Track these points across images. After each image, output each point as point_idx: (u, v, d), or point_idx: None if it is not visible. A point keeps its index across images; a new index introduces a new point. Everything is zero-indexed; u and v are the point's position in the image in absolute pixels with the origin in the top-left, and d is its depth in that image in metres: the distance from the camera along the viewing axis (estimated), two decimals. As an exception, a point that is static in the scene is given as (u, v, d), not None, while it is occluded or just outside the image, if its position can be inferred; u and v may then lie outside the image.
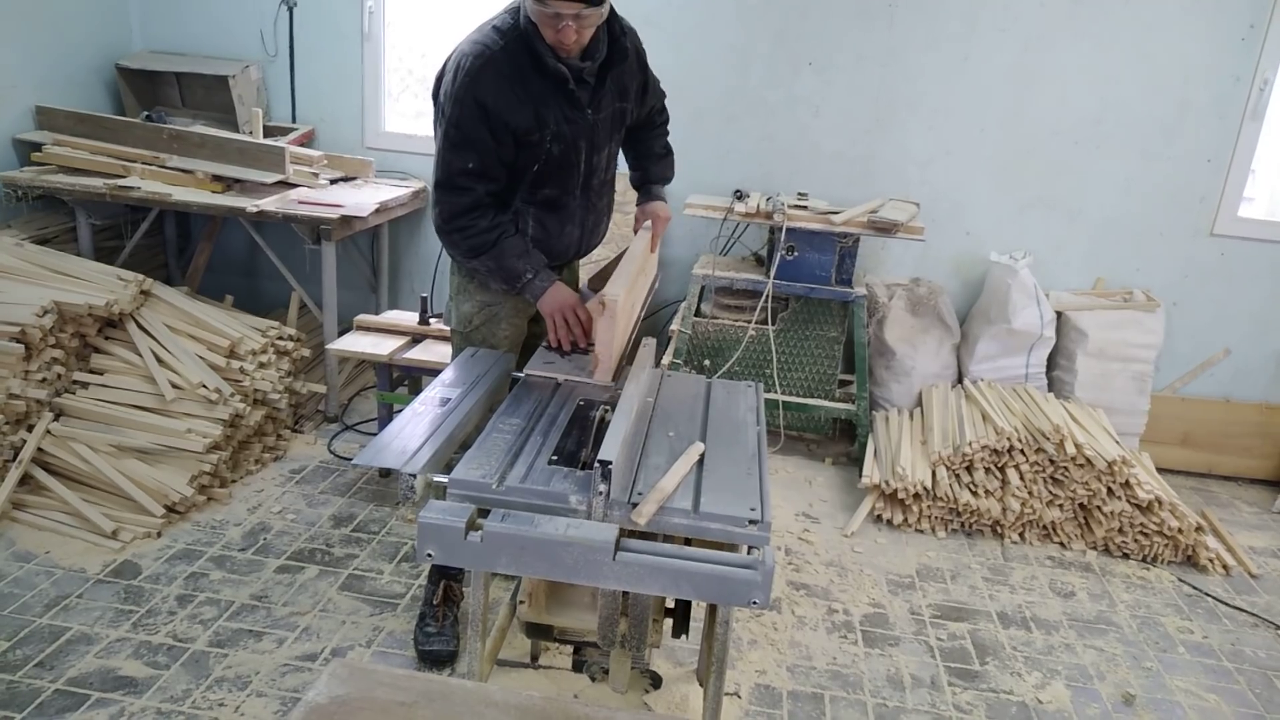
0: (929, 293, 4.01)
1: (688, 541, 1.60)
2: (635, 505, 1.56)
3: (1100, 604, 3.04)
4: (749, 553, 1.53)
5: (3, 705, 2.20)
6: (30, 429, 3.07)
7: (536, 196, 2.26)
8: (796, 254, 3.63)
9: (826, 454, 3.98)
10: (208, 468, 3.11)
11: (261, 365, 3.42)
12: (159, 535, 2.95)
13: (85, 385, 3.24)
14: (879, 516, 3.42)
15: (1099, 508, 3.32)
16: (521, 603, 1.92)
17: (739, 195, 3.70)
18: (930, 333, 3.92)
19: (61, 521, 2.93)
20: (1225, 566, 3.31)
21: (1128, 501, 3.29)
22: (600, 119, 2.25)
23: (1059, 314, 3.88)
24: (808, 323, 3.81)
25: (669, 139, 2.61)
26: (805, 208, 3.67)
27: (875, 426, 3.77)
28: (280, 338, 3.54)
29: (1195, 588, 3.19)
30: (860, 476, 3.50)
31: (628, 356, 2.19)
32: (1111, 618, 2.97)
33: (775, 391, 3.84)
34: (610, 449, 1.57)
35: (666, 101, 2.55)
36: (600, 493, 1.54)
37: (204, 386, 3.17)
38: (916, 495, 3.35)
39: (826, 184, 4.01)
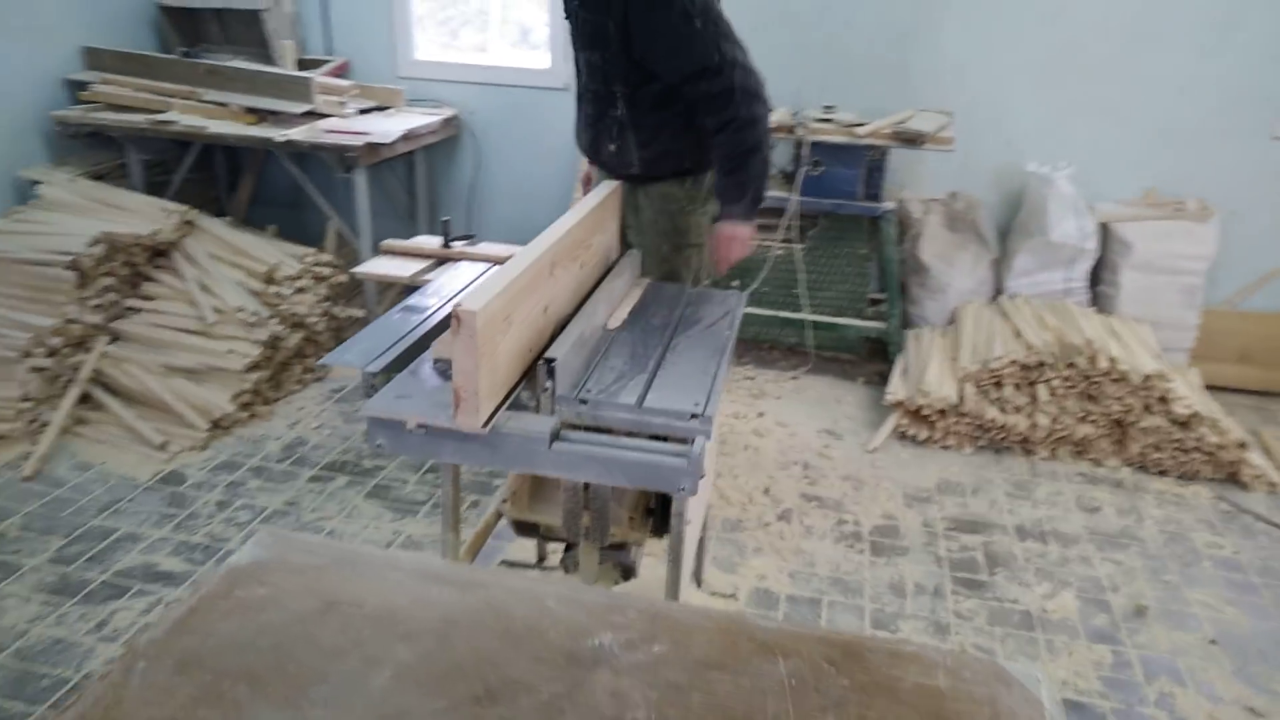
0: (966, 207, 3.88)
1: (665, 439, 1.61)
2: (585, 401, 1.61)
3: (1127, 519, 2.97)
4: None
5: (56, 592, 2.42)
6: (89, 351, 3.29)
7: None
8: (823, 169, 3.56)
9: (860, 374, 3.94)
10: (248, 386, 3.29)
11: (299, 290, 3.56)
12: (205, 448, 3.14)
13: (138, 310, 3.44)
14: (904, 434, 3.39)
15: (1134, 424, 3.21)
16: (505, 501, 2.00)
17: (763, 110, 3.63)
18: (967, 249, 3.81)
19: (117, 435, 3.16)
20: (1271, 484, 3.17)
21: (1165, 418, 3.17)
22: (580, 14, 2.34)
23: (1104, 226, 3.71)
24: (837, 240, 3.74)
25: (736, 146, 2.35)
26: (831, 120, 3.58)
27: (907, 345, 3.71)
28: (317, 264, 3.68)
29: (1235, 505, 3.07)
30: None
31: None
32: (1137, 532, 2.90)
33: (805, 311, 3.81)
34: (559, 348, 1.62)
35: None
36: (545, 389, 1.58)
37: (242, 310, 3.33)
38: (942, 412, 3.30)
39: (860, 95, 3.87)
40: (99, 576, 2.50)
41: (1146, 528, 2.92)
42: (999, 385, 3.31)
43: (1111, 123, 3.77)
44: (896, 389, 3.43)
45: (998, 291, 3.84)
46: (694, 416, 1.58)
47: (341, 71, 4.23)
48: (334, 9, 4.24)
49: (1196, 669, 2.31)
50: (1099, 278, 3.80)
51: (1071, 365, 3.22)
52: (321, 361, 1.72)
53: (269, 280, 3.48)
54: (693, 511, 1.77)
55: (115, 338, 3.37)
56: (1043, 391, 3.25)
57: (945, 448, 3.34)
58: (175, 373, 3.29)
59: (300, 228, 4.44)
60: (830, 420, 3.54)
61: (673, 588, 1.75)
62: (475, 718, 0.96)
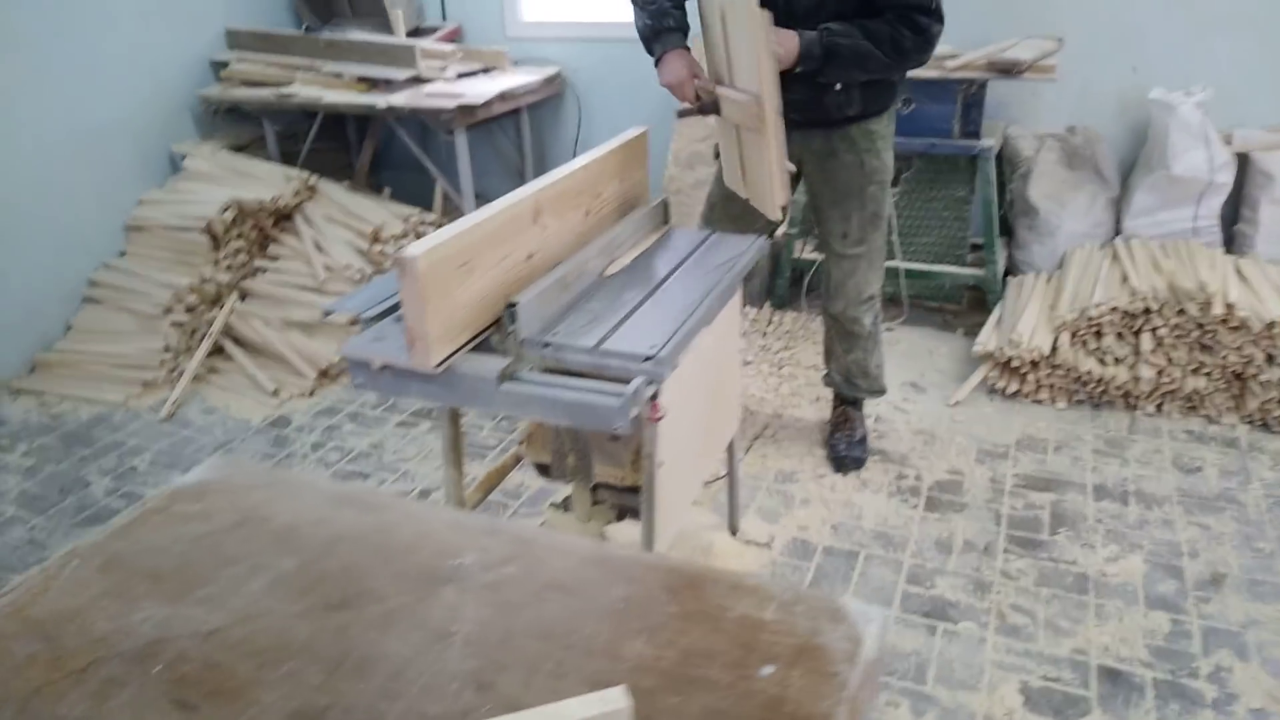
0: (1085, 142, 3.57)
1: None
2: (548, 345, 1.67)
3: (1229, 481, 2.70)
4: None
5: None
6: (221, 307, 3.68)
7: None
8: (914, 106, 3.39)
9: (961, 324, 3.75)
10: (353, 338, 3.57)
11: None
12: (311, 394, 3.45)
13: (264, 270, 3.80)
14: (993, 387, 3.21)
15: (1255, 376, 2.90)
16: (522, 444, 2.11)
17: (849, 49, 3.48)
18: (1082, 188, 3.52)
19: (240, 383, 3.52)
20: None
21: (1292, 369, 2.84)
22: None
23: (1242, 156, 3.32)
24: (932, 182, 3.56)
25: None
26: (923, 56, 3.39)
27: (1008, 292, 3.49)
28: (421, 223, 3.92)
29: (1372, 469, 2.72)
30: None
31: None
32: (1238, 496, 2.63)
33: (899, 258, 3.66)
34: (526, 293, 1.68)
35: None
36: (509, 332, 1.66)
37: (349, 267, 3.61)
38: (1034, 363, 3.11)
39: (970, 25, 3.59)
40: (208, 504, 2.83)
41: (1251, 491, 2.65)
42: (1099, 335, 3.07)
43: (1255, 38, 3.34)
44: (987, 339, 3.25)
45: (1116, 233, 3.53)
46: (648, 359, 1.60)
47: (453, 37, 4.42)
48: (448, -23, 4.43)
49: (1267, 644, 2.10)
50: (1239, 215, 3.41)
51: (1181, 312, 2.93)
52: (325, 306, 1.86)
53: (375, 239, 3.74)
54: (668, 452, 1.80)
55: (244, 295, 3.75)
56: (1146, 341, 2.99)
57: (1037, 402, 3.14)
58: (292, 326, 3.62)
59: (420, 190, 4.70)
60: (917, 373, 3.41)
61: (647, 531, 1.79)
62: (321, 619, 1.06)
